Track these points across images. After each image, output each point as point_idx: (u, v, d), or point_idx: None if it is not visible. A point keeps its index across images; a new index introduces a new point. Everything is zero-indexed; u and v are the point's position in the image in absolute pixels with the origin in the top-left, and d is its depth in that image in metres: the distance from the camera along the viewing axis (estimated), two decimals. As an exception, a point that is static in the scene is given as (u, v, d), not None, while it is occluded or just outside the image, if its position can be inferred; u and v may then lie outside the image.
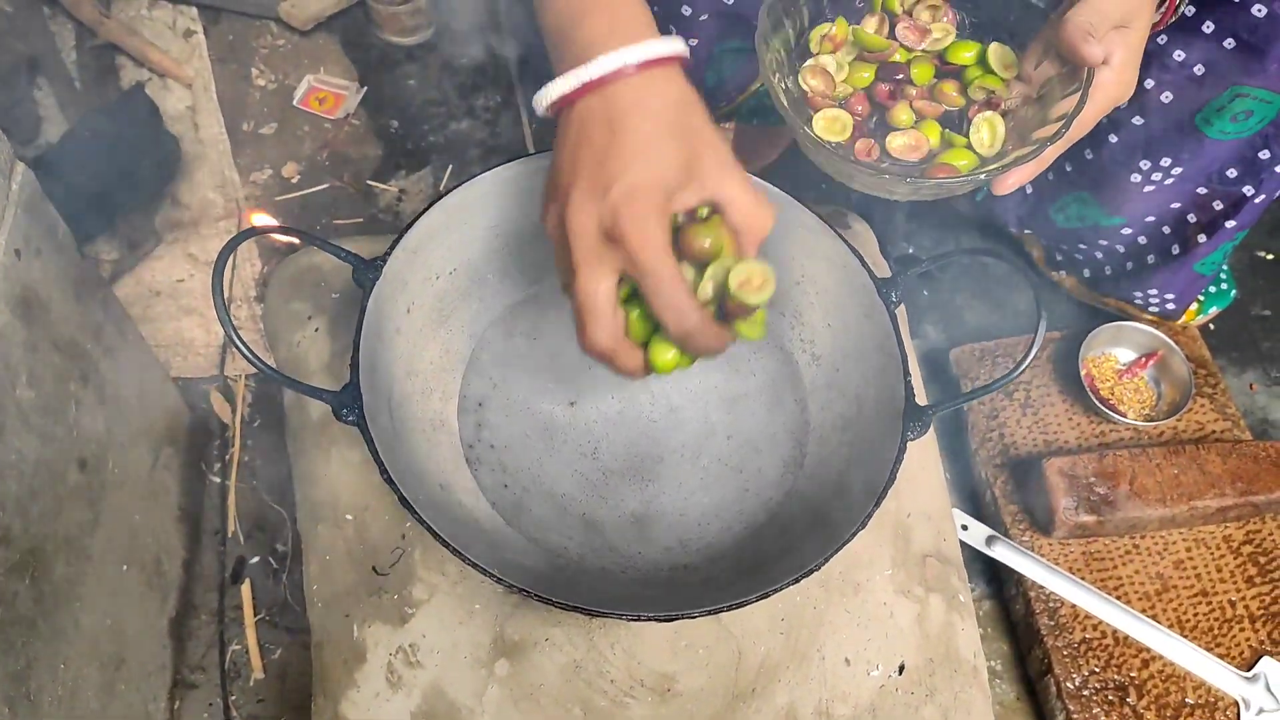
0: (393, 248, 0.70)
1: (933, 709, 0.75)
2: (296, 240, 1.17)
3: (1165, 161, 0.96)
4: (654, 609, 0.61)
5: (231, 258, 1.24)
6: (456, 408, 0.77)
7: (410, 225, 0.71)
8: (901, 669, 0.75)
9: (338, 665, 0.74)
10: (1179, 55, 0.86)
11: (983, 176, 0.65)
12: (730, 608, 0.60)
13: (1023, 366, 0.67)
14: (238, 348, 0.60)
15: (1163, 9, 0.75)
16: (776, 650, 0.74)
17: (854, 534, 0.63)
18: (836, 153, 0.67)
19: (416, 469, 0.68)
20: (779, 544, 0.70)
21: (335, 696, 0.73)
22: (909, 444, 0.68)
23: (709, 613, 0.60)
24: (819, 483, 0.73)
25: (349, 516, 0.78)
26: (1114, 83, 0.67)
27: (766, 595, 0.61)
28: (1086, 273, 1.21)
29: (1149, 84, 0.90)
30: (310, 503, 0.80)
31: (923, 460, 0.83)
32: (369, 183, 1.35)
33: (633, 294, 0.59)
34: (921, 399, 0.81)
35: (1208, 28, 0.83)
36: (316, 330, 0.84)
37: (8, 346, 0.76)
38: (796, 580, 0.61)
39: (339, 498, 0.78)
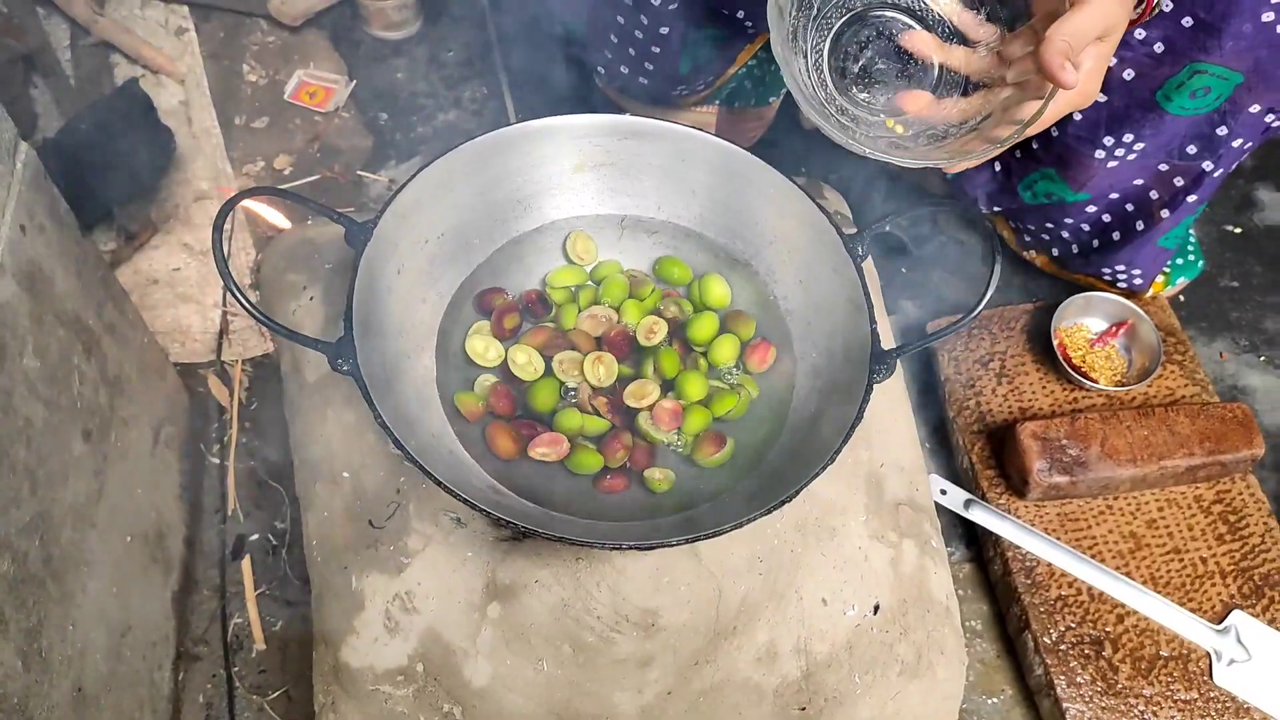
0: (383, 210, 0.74)
1: (907, 646, 0.78)
2: (289, 225, 1.20)
3: (1128, 138, 0.99)
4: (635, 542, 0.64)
5: (226, 246, 1.28)
6: (446, 365, 0.80)
7: (400, 189, 0.75)
8: (876, 609, 0.78)
9: (337, 615, 0.77)
10: (1139, 34, 0.89)
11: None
12: (707, 536, 0.63)
13: (983, 301, 0.70)
14: (237, 298, 0.63)
15: (1140, 8, 0.76)
16: (756, 590, 0.77)
17: (824, 466, 0.66)
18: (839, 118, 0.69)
19: (409, 420, 0.71)
20: (755, 486, 0.74)
21: (335, 644, 0.76)
22: (881, 397, 0.71)
23: (687, 540, 0.63)
24: (793, 428, 0.77)
25: (345, 474, 0.81)
26: (1078, 92, 0.68)
27: (740, 525, 0.64)
28: (1055, 251, 1.24)
29: (1111, 61, 0.92)
30: (308, 463, 0.83)
31: (894, 413, 0.87)
32: (359, 173, 1.38)
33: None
34: (888, 344, 0.84)
35: (1167, 5, 0.85)
36: (311, 299, 0.88)
37: (14, 317, 0.79)
38: (769, 511, 0.64)
39: (335, 456, 0.81)
